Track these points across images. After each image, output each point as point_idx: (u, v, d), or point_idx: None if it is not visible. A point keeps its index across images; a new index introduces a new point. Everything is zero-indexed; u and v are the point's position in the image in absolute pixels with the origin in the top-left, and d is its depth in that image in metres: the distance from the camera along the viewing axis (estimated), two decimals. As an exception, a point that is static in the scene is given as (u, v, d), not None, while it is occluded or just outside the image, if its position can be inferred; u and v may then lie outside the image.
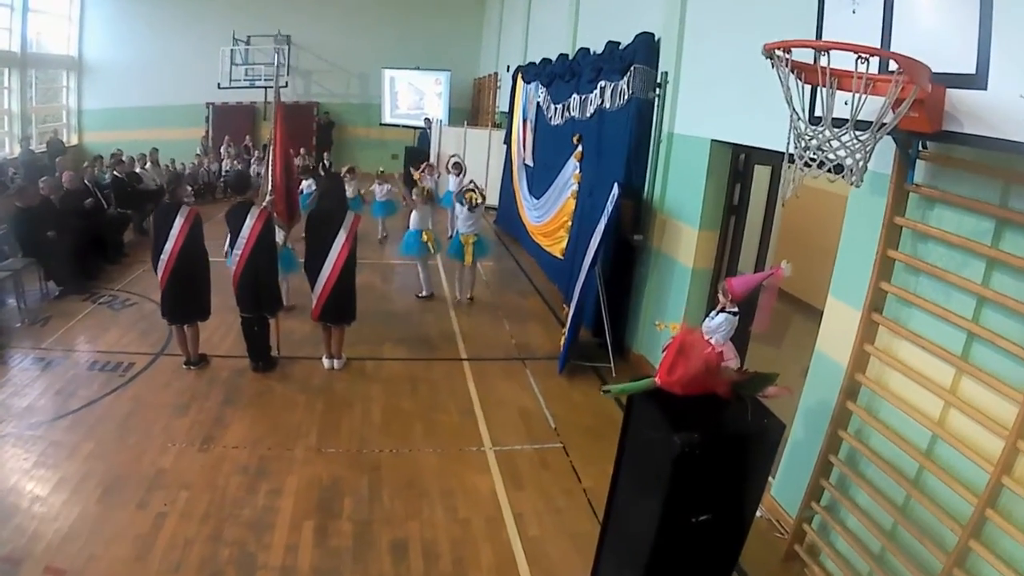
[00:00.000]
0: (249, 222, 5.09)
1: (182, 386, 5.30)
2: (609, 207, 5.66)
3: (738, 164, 4.83)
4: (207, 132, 15.39)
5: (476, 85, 15.66)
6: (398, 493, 4.07)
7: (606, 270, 5.89)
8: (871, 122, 2.23)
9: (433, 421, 4.94)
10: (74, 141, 14.79)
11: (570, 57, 7.80)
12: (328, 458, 4.40)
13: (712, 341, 4.53)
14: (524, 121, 9.48)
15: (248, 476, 4.14)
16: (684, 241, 5.16)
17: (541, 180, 8.73)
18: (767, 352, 5.34)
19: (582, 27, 8.06)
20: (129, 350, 5.85)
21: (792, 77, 2.31)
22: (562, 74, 7.68)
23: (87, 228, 7.54)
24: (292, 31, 15.20)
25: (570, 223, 7.41)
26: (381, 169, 10.22)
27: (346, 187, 9.22)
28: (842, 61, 2.14)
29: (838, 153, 2.32)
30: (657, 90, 5.37)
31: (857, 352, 3.10)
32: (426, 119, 13.93)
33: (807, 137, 2.38)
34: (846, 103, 2.19)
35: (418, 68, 15.05)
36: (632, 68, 5.47)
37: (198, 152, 13.97)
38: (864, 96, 2.13)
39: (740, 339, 4.72)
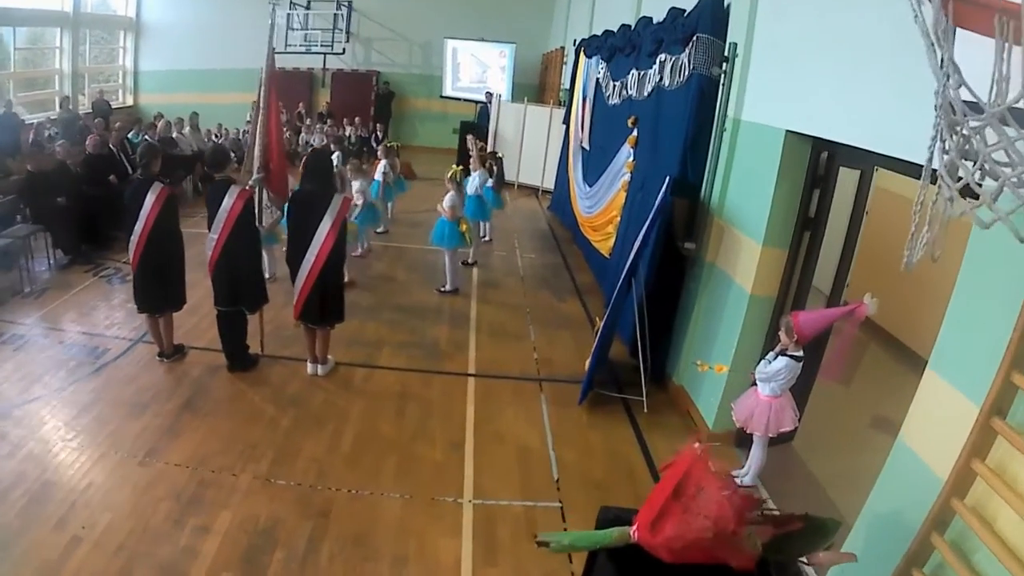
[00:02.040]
0: (227, 203, 4.54)
1: (148, 382, 4.91)
2: (659, 205, 4.77)
3: (818, 164, 3.78)
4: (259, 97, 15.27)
5: (544, 60, 14.72)
6: (341, 551, 3.41)
7: (650, 280, 4.98)
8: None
9: (411, 455, 4.24)
10: (129, 102, 15.24)
11: (632, 28, 6.77)
12: (275, 492, 3.81)
13: (764, 393, 3.64)
14: (584, 100, 8.54)
15: (179, 504, 3.64)
16: (744, 258, 4.16)
17: (595, 166, 7.84)
18: (831, 392, 4.30)
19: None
20: (109, 333, 5.56)
21: (945, 21, 1.27)
22: (622, 47, 6.68)
23: (104, 195, 7.32)
24: (355, -5, 14.84)
25: (619, 218, 6.49)
26: (390, 143, 9.39)
27: (382, 166, 8.71)
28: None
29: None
30: (724, 65, 4.34)
31: (961, 468, 2.09)
32: (487, 93, 13.21)
33: (965, 133, 1.29)
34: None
35: (482, 39, 14.29)
36: (695, 38, 4.45)
37: (248, 119, 13.89)
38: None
39: (803, 384, 3.73)
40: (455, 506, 3.81)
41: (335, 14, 14.27)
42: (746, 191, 4.24)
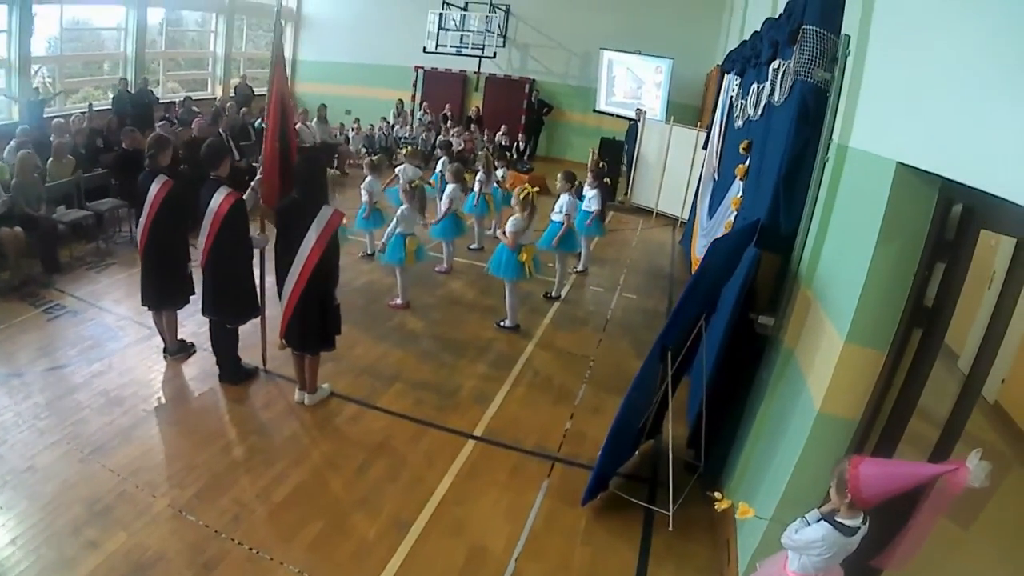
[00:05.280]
0: (214, 204, 4.32)
1: (139, 376, 4.95)
2: (744, 260, 3.75)
3: (946, 223, 2.52)
4: (413, 96, 15.95)
5: (708, 79, 13.49)
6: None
7: (720, 359, 3.91)
8: None
9: (342, 526, 3.64)
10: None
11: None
12: (179, 527, 3.51)
13: (792, 568, 2.49)
14: (721, 123, 7.41)
15: (88, 512, 3.55)
16: (821, 355, 2.96)
17: (717, 199, 6.72)
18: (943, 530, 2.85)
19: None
20: (136, 319, 5.69)
21: None
22: (748, 57, 5.54)
23: (197, 177, 7.76)
24: (511, 0, 14.80)
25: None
26: (407, 149, 8.82)
27: (478, 176, 8.27)
28: None
29: None
30: (835, 68, 3.17)
31: None
32: (637, 110, 12.34)
33: None
34: None
35: (639, 53, 13.41)
36: (800, 31, 3.33)
37: (394, 113, 14.47)
38: None
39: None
40: (353, 609, 3.12)
41: (487, 16, 14.33)
42: (840, 253, 3.05)
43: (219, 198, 4.30)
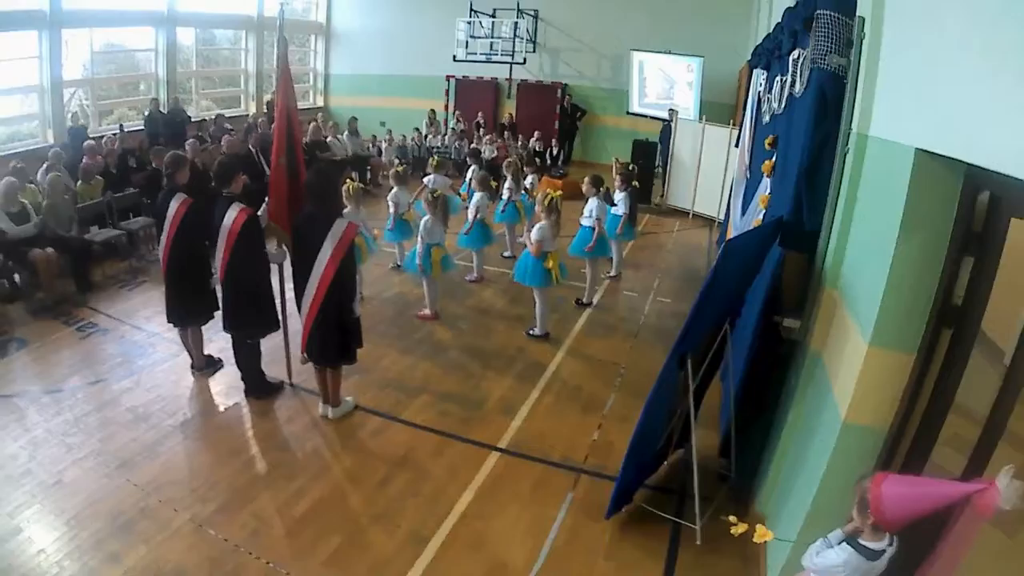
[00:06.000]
0: (227, 221, 4.42)
1: (159, 394, 5.08)
2: (768, 261, 3.66)
3: (973, 213, 2.39)
4: (446, 105, 16.15)
5: (740, 75, 13.22)
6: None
7: (747, 365, 3.81)
8: None
9: (360, 541, 3.66)
10: (320, 103, 17.18)
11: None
12: (199, 541, 3.60)
13: None
14: (750, 120, 7.24)
15: (111, 526, 3.68)
16: (847, 360, 2.84)
17: (748, 198, 6.55)
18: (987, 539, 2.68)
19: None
20: (167, 336, 5.86)
21: None
22: (771, 50, 5.39)
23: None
24: (540, 4, 14.85)
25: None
26: (433, 160, 8.86)
27: (507, 183, 8.27)
28: None
29: None
30: (851, 53, 3.05)
31: None
32: (670, 111, 12.17)
33: None
34: None
35: (669, 52, 13.24)
36: (815, 16, 3.22)
37: (426, 123, 14.64)
38: None
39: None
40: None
41: (515, 22, 14.37)
42: (863, 250, 2.92)
43: (232, 214, 4.40)
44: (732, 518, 2.74)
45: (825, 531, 2.37)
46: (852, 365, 2.74)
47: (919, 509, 2.04)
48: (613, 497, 3.79)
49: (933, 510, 2.01)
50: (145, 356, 5.62)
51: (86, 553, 3.44)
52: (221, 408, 4.92)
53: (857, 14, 3.03)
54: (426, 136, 14.28)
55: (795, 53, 3.98)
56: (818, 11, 3.17)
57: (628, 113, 14.85)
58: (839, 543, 2.27)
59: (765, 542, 3.30)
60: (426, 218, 6.32)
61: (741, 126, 8.51)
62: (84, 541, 3.53)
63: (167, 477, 4.09)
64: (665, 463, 4.39)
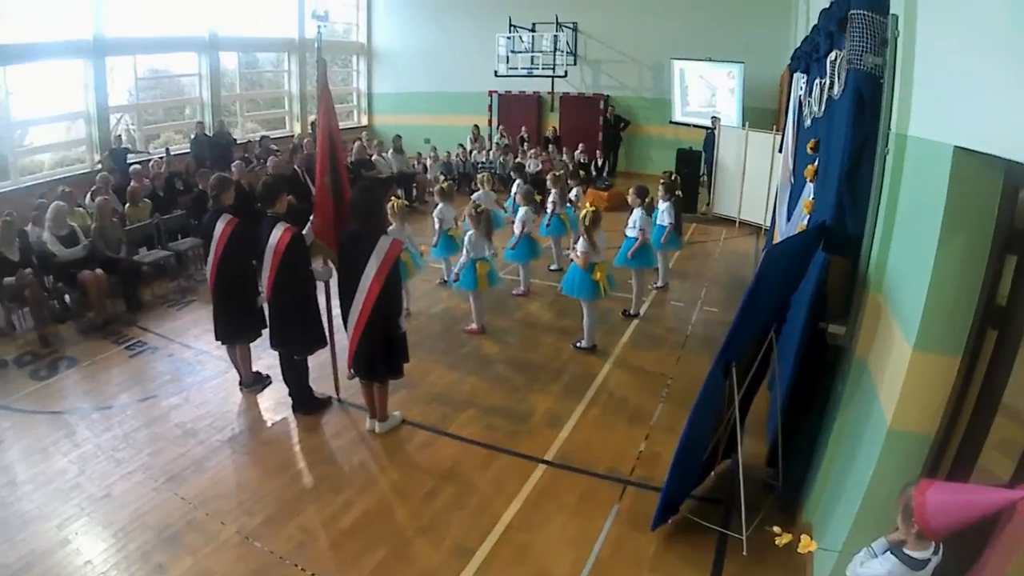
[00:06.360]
0: (272, 240, 4.61)
1: (208, 410, 5.28)
2: (812, 267, 3.63)
3: (1015, 210, 2.33)
4: (490, 121, 16.38)
5: (781, 80, 13.01)
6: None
7: (793, 373, 3.76)
8: None
9: (406, 553, 3.74)
10: (364, 122, 17.69)
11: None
12: (245, 553, 3.73)
13: None
14: (793, 124, 7.14)
15: (158, 538, 3.85)
16: (892, 365, 2.79)
17: (792, 203, 6.46)
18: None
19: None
20: (215, 353, 6.08)
21: None
22: (809, 53, 5.32)
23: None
24: (579, 17, 14.97)
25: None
26: (482, 177, 8.99)
27: (551, 197, 8.34)
28: None
29: None
30: (887, 52, 3.01)
31: None
32: (713, 118, 12.09)
33: None
34: None
35: (710, 59, 13.14)
36: (849, 16, 3.20)
37: (470, 139, 14.90)
38: None
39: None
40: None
41: (555, 36, 14.51)
42: (905, 253, 2.87)
43: (277, 234, 4.60)
44: (776, 528, 2.71)
45: (871, 540, 2.34)
46: (897, 370, 2.69)
47: (964, 517, 2.00)
48: (658, 508, 3.78)
49: (979, 518, 1.97)
50: (194, 373, 5.87)
51: (133, 564, 3.59)
52: (269, 423, 5.10)
53: (891, 12, 3.00)
54: (471, 152, 14.51)
55: (832, 55, 3.94)
56: (852, 11, 3.15)
57: (671, 122, 14.77)
58: (883, 553, 2.23)
59: (811, 552, 3.26)
60: (470, 232, 6.45)
61: (784, 131, 8.39)
62: (131, 553, 3.69)
63: (214, 491, 4.25)
64: (712, 473, 4.35)
